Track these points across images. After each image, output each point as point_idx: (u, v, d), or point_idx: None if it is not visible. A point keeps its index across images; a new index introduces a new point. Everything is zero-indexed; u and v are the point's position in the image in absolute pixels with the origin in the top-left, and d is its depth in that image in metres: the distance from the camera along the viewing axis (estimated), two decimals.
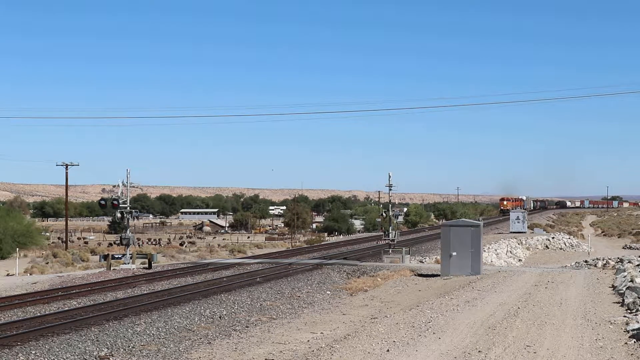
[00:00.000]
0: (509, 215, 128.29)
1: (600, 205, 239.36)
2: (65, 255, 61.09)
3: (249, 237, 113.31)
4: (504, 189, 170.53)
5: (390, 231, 44.73)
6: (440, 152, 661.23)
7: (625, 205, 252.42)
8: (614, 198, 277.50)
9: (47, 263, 55.05)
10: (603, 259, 44.11)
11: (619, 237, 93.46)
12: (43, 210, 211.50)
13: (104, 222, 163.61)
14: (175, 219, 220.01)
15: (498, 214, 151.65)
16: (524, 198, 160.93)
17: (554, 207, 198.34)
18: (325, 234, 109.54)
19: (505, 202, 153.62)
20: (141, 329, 20.92)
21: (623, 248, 71.72)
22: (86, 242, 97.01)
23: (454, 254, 32.91)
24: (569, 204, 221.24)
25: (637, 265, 33.23)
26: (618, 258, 44.23)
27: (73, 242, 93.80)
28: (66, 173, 79.36)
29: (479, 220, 49.23)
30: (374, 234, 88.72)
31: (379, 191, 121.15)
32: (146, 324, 21.66)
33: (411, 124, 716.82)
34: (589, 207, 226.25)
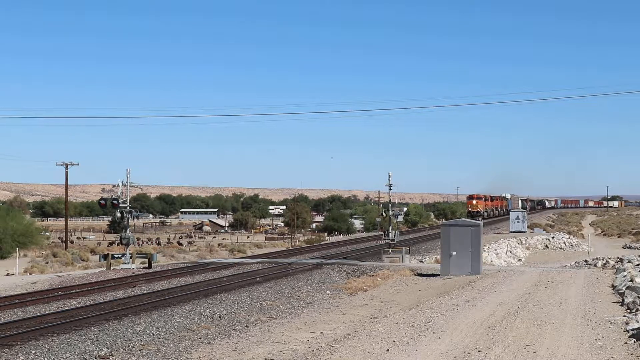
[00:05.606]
0: (479, 218, 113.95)
1: (571, 205, 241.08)
2: (65, 255, 61.13)
3: (248, 237, 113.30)
4: (491, 189, 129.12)
5: (390, 231, 44.72)
6: (440, 152, 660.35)
7: (591, 204, 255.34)
8: (613, 198, 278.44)
9: (47, 263, 55.06)
10: (603, 259, 44.20)
11: (618, 237, 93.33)
12: (43, 210, 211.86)
13: (103, 221, 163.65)
14: (175, 218, 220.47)
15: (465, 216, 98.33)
16: (508, 197, 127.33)
17: (539, 207, 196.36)
18: (325, 234, 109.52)
19: (475, 202, 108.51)
20: (141, 328, 20.93)
21: (623, 248, 71.64)
22: (72, 241, 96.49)
23: (454, 253, 32.93)
24: (547, 203, 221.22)
25: (637, 265, 33.27)
26: (618, 258, 44.31)
27: (73, 242, 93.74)
28: (66, 173, 79.46)
29: (479, 220, 49.22)
30: (373, 233, 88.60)
31: (379, 191, 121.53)
32: (146, 323, 21.67)
33: (411, 124, 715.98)
34: (561, 207, 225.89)
